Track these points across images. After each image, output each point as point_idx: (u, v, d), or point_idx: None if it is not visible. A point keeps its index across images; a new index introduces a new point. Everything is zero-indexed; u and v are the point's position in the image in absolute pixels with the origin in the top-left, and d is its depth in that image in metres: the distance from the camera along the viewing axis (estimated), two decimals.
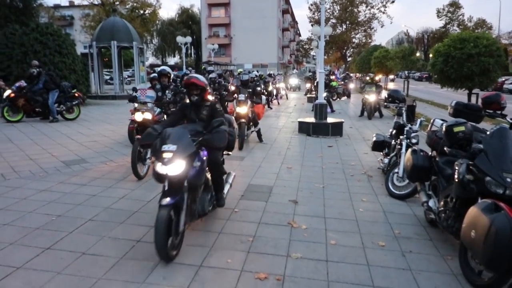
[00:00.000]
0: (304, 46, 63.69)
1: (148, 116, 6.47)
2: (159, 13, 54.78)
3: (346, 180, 6.21)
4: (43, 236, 3.87)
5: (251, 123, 8.95)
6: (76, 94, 12.30)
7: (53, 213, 4.45)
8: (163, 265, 3.35)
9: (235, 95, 9.00)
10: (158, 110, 6.84)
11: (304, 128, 10.52)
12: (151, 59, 63.04)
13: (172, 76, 7.15)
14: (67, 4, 65.16)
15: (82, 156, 7.27)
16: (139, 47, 21.83)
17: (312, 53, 54.74)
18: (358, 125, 12.39)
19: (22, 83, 11.34)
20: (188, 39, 30.64)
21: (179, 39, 30.27)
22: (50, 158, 7.06)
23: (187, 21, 62.56)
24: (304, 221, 4.42)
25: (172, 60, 66.72)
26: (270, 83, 17.85)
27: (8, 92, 11.28)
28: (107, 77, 28.76)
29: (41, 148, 7.86)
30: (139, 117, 6.51)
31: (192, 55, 60.89)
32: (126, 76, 32.03)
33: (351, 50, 57.93)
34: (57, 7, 60.74)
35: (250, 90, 9.19)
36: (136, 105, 6.67)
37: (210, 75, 14.44)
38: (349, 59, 58.69)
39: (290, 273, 3.29)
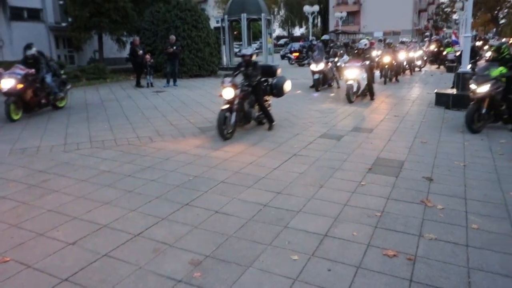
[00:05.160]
0: (445, 10, 56.81)
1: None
2: None
3: (493, 159, 5.41)
4: (182, 193, 4.29)
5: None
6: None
7: (190, 174, 4.90)
8: (288, 230, 3.41)
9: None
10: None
11: (442, 100, 9.46)
12: (277, 31, 63.77)
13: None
14: None
15: (213, 123, 7.79)
16: (267, 18, 22.18)
17: (454, 16, 48.64)
18: None
19: (30, 70, 8.50)
20: (316, 8, 30.07)
21: (306, 8, 29.92)
22: (187, 124, 7.76)
23: None
24: (440, 201, 4.01)
25: (298, 31, 66.41)
26: (401, 52, 16.21)
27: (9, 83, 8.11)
28: (236, 50, 30.13)
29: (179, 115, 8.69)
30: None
31: (319, 25, 59.62)
32: (254, 48, 33.04)
33: (505, 10, 49.71)
34: None
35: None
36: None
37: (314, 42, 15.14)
38: (502, 21, 50.54)
39: (423, 254, 3.03)
